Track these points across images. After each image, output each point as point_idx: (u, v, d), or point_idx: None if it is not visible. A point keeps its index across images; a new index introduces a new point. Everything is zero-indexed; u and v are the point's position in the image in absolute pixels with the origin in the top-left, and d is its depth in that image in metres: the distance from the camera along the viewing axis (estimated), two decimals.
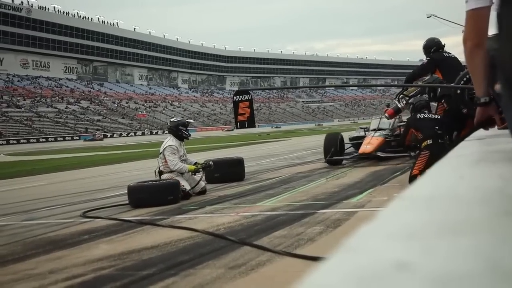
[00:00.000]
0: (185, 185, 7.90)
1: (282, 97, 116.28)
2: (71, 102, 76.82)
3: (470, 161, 1.30)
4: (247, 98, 8.90)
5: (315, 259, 3.54)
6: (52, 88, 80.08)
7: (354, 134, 13.13)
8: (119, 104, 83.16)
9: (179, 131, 8.49)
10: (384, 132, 11.44)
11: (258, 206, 6.54)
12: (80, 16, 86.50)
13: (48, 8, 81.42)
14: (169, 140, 8.43)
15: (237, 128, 7.84)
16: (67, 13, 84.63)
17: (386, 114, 10.18)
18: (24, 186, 12.55)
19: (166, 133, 9.14)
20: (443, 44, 8.64)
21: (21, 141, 57.59)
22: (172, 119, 8.99)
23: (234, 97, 8.04)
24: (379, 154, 10.82)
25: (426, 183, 1.00)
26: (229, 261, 3.86)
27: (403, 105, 9.10)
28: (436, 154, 5.91)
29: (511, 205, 0.67)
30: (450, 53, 8.59)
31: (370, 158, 11.03)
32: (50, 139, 60.59)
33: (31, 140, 58.68)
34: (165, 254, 4.29)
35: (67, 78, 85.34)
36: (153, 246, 4.60)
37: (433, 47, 8.54)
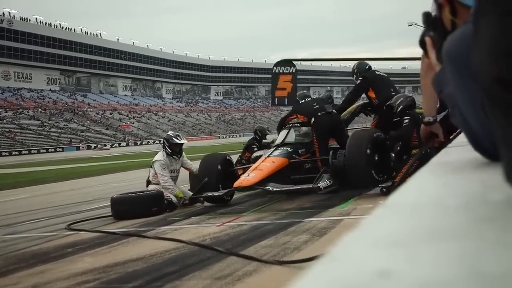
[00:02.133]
0: (172, 197, 7.83)
1: (267, 106, 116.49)
2: (54, 113, 76.12)
3: (453, 168, 1.31)
4: (290, 71, 8.32)
5: (310, 259, 3.52)
6: (35, 100, 79.31)
7: (259, 152, 9.06)
8: (102, 115, 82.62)
9: (164, 146, 8.42)
10: (291, 149, 7.81)
11: (244, 215, 6.52)
12: (63, 27, 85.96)
13: (30, 20, 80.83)
14: (159, 154, 8.34)
15: (273, 105, 6.98)
16: (50, 24, 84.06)
17: None
18: (6, 199, 12.37)
19: (150, 144, 9.03)
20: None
21: (3, 153, 56.81)
22: (169, 132, 8.93)
23: (274, 68, 7.39)
24: (269, 188, 6.99)
25: (410, 190, 1.00)
26: (216, 271, 3.84)
27: None
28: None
29: (492, 211, 0.68)
30: (380, 72, 9.11)
31: (270, 192, 7.26)
32: (32, 151, 59.88)
33: (13, 153, 57.95)
34: (151, 266, 4.26)
35: (50, 90, 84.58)
36: (138, 258, 4.56)
37: (366, 66, 9.04)
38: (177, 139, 8.41)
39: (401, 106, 7.59)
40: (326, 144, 7.95)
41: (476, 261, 0.46)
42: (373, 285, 0.44)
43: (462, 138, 2.40)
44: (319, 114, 7.98)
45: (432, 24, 1.46)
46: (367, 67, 9.07)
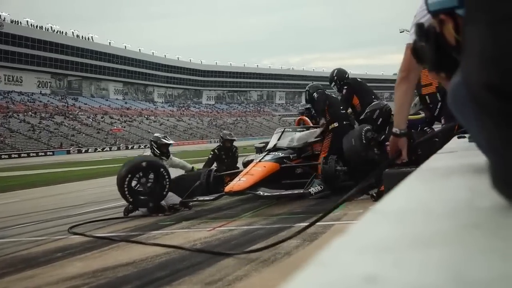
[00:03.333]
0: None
1: (258, 111, 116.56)
2: (45, 117, 75.69)
3: (442, 174, 1.32)
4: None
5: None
6: (25, 103, 78.83)
7: (251, 156, 9.18)
8: (94, 119, 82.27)
9: (151, 146, 8.46)
10: (282, 154, 7.78)
11: (235, 220, 6.51)
12: (54, 30, 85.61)
13: (21, 22, 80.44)
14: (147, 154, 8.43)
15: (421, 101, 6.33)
16: (41, 27, 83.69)
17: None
18: None
19: (142, 148, 9.01)
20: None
21: None
22: (155, 134, 8.95)
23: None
24: (260, 193, 6.96)
25: (398, 196, 1.01)
26: (206, 276, 3.83)
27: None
28: None
29: (478, 217, 0.69)
30: (360, 79, 9.36)
31: (261, 197, 7.19)
32: (22, 155, 59.47)
33: (3, 156, 57.51)
34: (141, 271, 4.24)
35: (40, 93, 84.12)
36: (128, 263, 4.54)
37: (346, 73, 9.16)
38: (165, 139, 8.53)
39: (380, 118, 7.63)
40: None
41: (461, 267, 0.47)
42: None
43: (451, 145, 2.42)
44: (344, 122, 8.13)
45: (425, 36, 1.46)
46: (346, 75, 9.16)
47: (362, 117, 8.10)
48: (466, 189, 0.97)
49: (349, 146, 7.34)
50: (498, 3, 0.61)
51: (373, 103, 7.98)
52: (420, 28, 1.50)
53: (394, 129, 2.41)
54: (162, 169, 7.64)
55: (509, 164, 0.65)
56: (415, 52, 1.62)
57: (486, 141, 0.69)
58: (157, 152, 8.34)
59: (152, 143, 8.44)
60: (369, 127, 7.54)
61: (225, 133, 10.39)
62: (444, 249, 0.54)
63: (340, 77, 9.07)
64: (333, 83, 9.14)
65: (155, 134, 8.88)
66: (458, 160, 1.88)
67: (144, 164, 7.63)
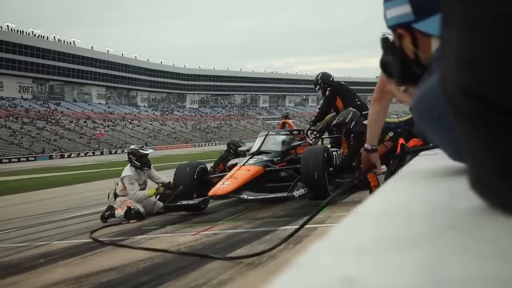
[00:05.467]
0: (139, 207, 7.79)
1: (242, 114, 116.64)
2: (26, 122, 74.86)
3: (423, 176, 1.33)
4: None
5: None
6: (6, 108, 77.90)
7: (235, 160, 8.98)
8: (76, 124, 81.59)
9: (130, 160, 8.30)
10: (266, 157, 7.81)
11: (219, 224, 6.50)
12: (35, 34, 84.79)
13: (2, 27, 79.60)
14: (126, 170, 8.23)
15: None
16: (22, 32, 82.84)
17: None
18: None
19: (125, 152, 8.87)
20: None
21: None
22: (131, 147, 8.83)
23: None
24: (244, 196, 6.97)
25: (379, 198, 1.02)
26: (190, 280, 3.83)
27: (312, 141, 8.86)
28: None
29: (456, 218, 0.70)
30: (343, 82, 9.48)
31: (245, 200, 7.19)
32: (4, 160, 58.73)
33: None
34: (125, 276, 4.22)
35: (22, 98, 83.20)
36: (112, 268, 4.51)
37: (330, 77, 9.27)
38: (142, 150, 8.43)
39: (353, 122, 7.68)
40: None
41: (436, 268, 0.48)
42: None
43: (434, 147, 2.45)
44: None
45: (391, 50, 1.48)
46: (331, 78, 9.23)
47: (333, 122, 8.25)
48: (446, 191, 0.99)
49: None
50: (474, 7, 0.62)
51: (345, 110, 8.10)
52: (385, 41, 1.51)
53: (366, 145, 2.54)
54: None
55: (485, 165, 0.66)
56: (382, 65, 1.64)
57: (463, 144, 0.70)
58: (137, 164, 8.22)
59: (131, 155, 8.31)
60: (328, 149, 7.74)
61: (233, 140, 10.71)
62: (421, 250, 0.55)
63: (324, 80, 9.13)
64: (318, 87, 9.20)
65: (131, 146, 8.78)
66: (441, 162, 1.90)
67: None
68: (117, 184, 8.24)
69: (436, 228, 0.64)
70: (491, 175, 0.65)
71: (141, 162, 8.25)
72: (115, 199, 8.15)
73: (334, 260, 0.54)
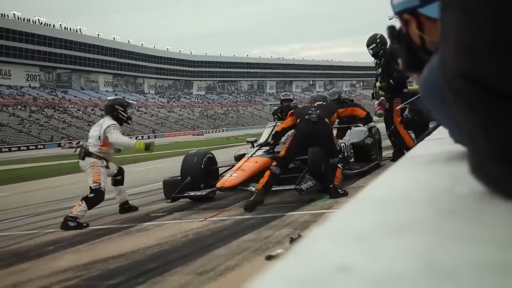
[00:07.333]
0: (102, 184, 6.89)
1: (249, 100, 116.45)
2: (34, 110, 75.18)
3: (426, 161, 1.33)
4: None
5: None
6: (14, 97, 78.24)
7: (242, 150, 8.76)
8: (84, 112, 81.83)
9: (114, 111, 7.19)
10: (274, 149, 7.55)
11: (227, 210, 6.52)
12: (42, 23, 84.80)
13: (8, 16, 79.61)
14: (107, 120, 7.13)
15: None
16: (28, 20, 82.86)
17: (379, 111, 8.37)
18: None
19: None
20: None
21: None
22: (109, 98, 7.80)
23: None
24: (252, 188, 6.74)
25: (380, 184, 1.02)
26: (198, 267, 3.85)
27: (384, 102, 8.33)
28: None
29: (457, 204, 0.69)
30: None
31: (253, 193, 6.70)
32: (13, 149, 59.12)
33: None
34: (132, 262, 4.24)
35: (29, 86, 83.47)
36: (120, 255, 4.54)
37: (387, 42, 8.57)
38: (128, 100, 7.68)
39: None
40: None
41: (431, 254, 0.47)
42: (332, 279, 0.44)
43: (438, 132, 2.43)
44: (306, 117, 7.14)
45: (397, 38, 1.46)
46: (387, 44, 8.20)
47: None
48: (448, 175, 0.98)
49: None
50: None
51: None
52: (391, 30, 1.50)
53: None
54: None
55: (484, 150, 0.65)
56: (391, 54, 1.63)
57: (463, 128, 0.69)
58: (124, 116, 7.25)
59: (117, 106, 7.24)
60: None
61: (282, 94, 10.78)
62: (418, 236, 0.54)
63: (383, 41, 8.26)
64: (374, 45, 8.45)
65: (114, 97, 7.80)
66: (444, 146, 1.89)
67: None
68: (93, 140, 7.04)
69: (435, 214, 0.64)
70: (490, 160, 0.65)
71: (126, 115, 7.33)
72: (83, 157, 6.96)
73: (330, 247, 0.53)
